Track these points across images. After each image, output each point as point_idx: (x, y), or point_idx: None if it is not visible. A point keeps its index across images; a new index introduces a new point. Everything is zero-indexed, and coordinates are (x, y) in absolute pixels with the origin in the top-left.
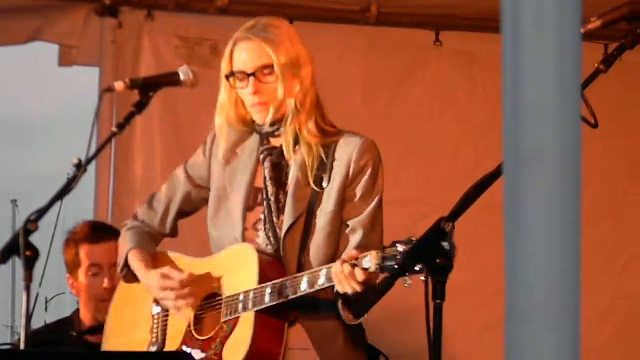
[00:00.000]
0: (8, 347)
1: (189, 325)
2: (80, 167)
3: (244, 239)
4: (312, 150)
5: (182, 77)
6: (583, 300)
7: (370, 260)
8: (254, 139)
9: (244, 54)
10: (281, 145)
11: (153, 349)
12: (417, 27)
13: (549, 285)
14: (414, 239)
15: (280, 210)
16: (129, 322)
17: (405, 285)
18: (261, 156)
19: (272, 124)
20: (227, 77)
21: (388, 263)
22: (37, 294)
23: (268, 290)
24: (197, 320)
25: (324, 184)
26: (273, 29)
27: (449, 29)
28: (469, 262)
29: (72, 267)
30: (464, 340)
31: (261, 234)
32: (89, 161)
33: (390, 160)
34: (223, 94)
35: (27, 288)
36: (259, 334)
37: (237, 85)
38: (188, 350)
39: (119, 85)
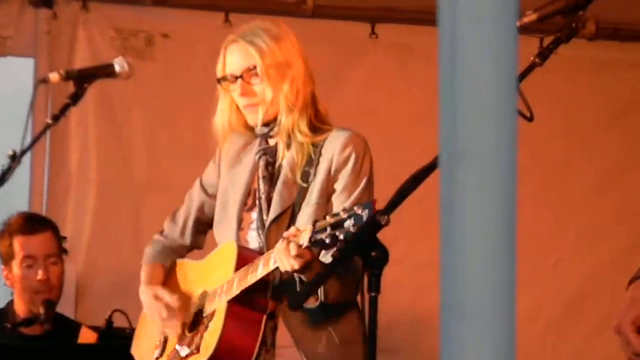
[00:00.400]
0: None
1: (183, 326)
2: (15, 159)
3: (239, 239)
4: (303, 149)
5: (117, 68)
6: (518, 293)
7: (304, 236)
8: (257, 142)
9: (232, 57)
10: (276, 145)
11: (157, 352)
12: (353, 20)
13: (484, 280)
14: (341, 213)
15: (269, 208)
16: (147, 330)
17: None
18: (256, 156)
19: (266, 125)
20: (219, 81)
21: (319, 236)
22: None
23: (236, 279)
24: (194, 318)
25: (310, 179)
26: (262, 32)
27: (384, 21)
28: (403, 256)
29: (6, 258)
30: (401, 332)
31: (252, 232)
32: (23, 153)
33: None
34: (221, 100)
35: None
36: (230, 323)
37: (230, 89)
38: (179, 348)
39: (54, 76)
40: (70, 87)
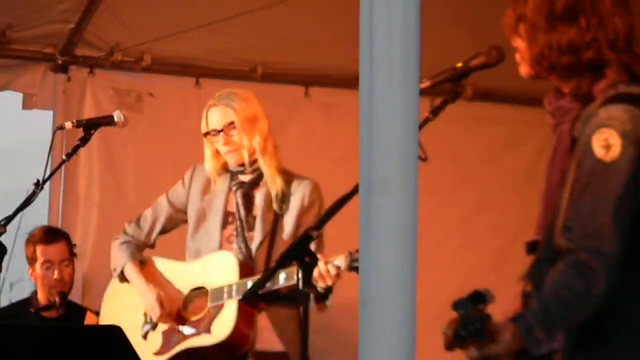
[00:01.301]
0: None
1: (178, 310)
2: (38, 186)
3: (220, 249)
4: (277, 185)
5: (115, 119)
6: (417, 287)
7: (341, 261)
8: (226, 176)
9: (213, 116)
10: (249, 180)
11: (147, 327)
12: (291, 83)
13: (392, 277)
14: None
15: (249, 228)
16: (122, 308)
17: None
18: (234, 188)
19: (240, 165)
20: (205, 135)
21: (354, 264)
22: (5, 279)
23: (249, 283)
24: (186, 305)
25: (285, 212)
26: (234, 96)
27: (316, 85)
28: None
29: (31, 261)
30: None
31: (234, 245)
32: (44, 181)
33: None
34: (206, 149)
35: None
36: (241, 316)
37: (213, 140)
38: (181, 328)
39: (68, 124)
40: (80, 132)
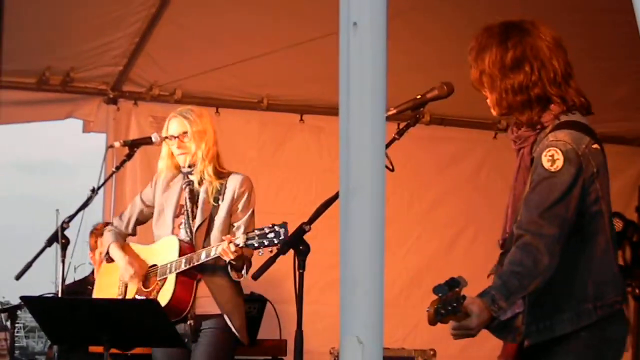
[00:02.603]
0: (52, 295)
1: (139, 285)
2: (94, 191)
3: (172, 234)
4: (212, 184)
5: (153, 140)
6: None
7: (239, 240)
8: (180, 176)
9: (172, 125)
10: (195, 179)
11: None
12: (289, 112)
13: (365, 264)
14: (266, 229)
15: (193, 217)
16: (107, 283)
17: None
18: (183, 185)
19: (189, 167)
20: (164, 138)
21: (249, 241)
22: (70, 263)
23: (183, 260)
24: (145, 279)
25: (220, 202)
26: (191, 112)
27: (309, 113)
28: (322, 247)
29: (92, 249)
30: (316, 293)
31: (182, 230)
32: (99, 188)
33: (272, 187)
34: (163, 149)
35: (63, 261)
36: (178, 286)
37: (170, 143)
38: (139, 297)
39: (117, 144)
40: (126, 150)
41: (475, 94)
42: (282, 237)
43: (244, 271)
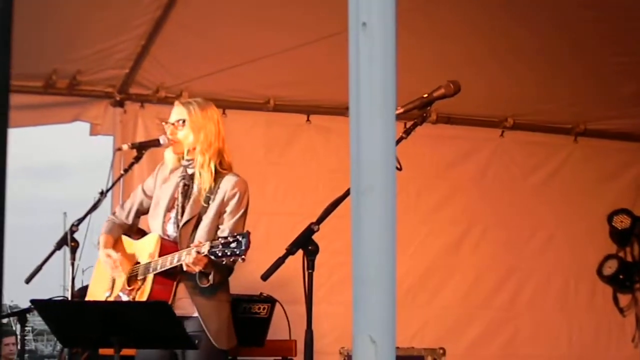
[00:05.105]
0: (61, 298)
1: (123, 283)
2: (103, 194)
3: (162, 228)
4: (206, 182)
5: (161, 142)
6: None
7: (204, 248)
8: (180, 169)
9: (173, 112)
10: (191, 174)
11: (107, 294)
12: (296, 112)
13: (377, 262)
14: (229, 237)
15: (182, 213)
16: (101, 277)
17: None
18: (179, 179)
19: (187, 160)
20: (166, 124)
21: (213, 250)
22: (78, 266)
23: (159, 262)
24: (130, 278)
25: (210, 202)
26: (195, 103)
27: (315, 113)
28: (330, 247)
29: None
30: (324, 293)
31: (170, 225)
32: (107, 190)
33: (280, 187)
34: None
35: (72, 264)
36: (155, 286)
37: (165, 129)
38: (121, 295)
39: (125, 147)
40: (134, 152)
41: (481, 93)
42: (243, 247)
43: (210, 276)
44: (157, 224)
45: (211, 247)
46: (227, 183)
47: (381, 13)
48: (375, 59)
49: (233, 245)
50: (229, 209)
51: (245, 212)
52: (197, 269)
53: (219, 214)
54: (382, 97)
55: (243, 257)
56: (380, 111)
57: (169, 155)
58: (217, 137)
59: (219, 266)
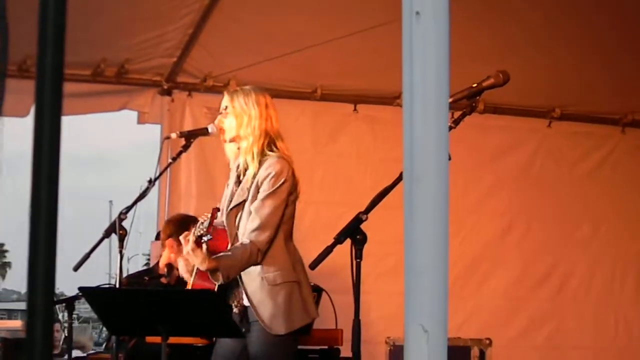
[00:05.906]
0: (109, 285)
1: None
2: (151, 182)
3: (225, 222)
4: (251, 167)
5: (209, 130)
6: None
7: (192, 236)
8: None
9: (223, 100)
10: (244, 161)
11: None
12: (343, 102)
13: (430, 252)
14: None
15: (232, 199)
16: None
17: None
18: (235, 167)
19: (239, 148)
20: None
21: (197, 232)
22: (123, 254)
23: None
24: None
25: (252, 186)
26: (241, 91)
27: (363, 102)
28: (377, 237)
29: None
30: (370, 283)
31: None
32: (156, 179)
33: (327, 177)
34: None
35: (120, 252)
36: (197, 275)
37: (218, 119)
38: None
39: (173, 135)
40: (182, 141)
41: (529, 82)
42: (205, 224)
43: (219, 272)
44: (223, 218)
45: (196, 234)
46: (266, 163)
47: (435, 2)
48: (429, 48)
49: (203, 224)
50: (261, 189)
51: (275, 193)
52: (196, 260)
53: (256, 197)
54: (436, 87)
55: (209, 236)
56: (433, 100)
57: (227, 149)
58: (263, 120)
59: (226, 258)
